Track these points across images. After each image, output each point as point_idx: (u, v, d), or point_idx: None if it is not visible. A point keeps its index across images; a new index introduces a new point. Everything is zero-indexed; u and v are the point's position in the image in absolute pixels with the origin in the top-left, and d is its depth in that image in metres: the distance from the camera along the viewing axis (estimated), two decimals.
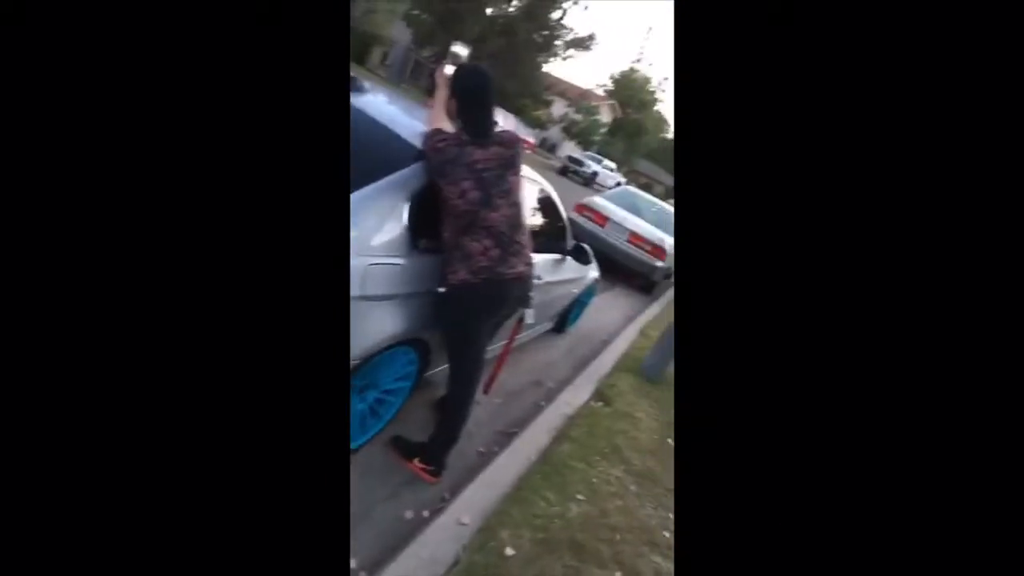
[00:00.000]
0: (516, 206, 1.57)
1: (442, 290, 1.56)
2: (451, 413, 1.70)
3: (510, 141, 1.56)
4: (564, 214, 2.53)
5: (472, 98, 1.51)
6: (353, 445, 1.64)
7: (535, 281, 2.08)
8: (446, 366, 1.83)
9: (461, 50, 1.66)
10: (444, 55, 1.66)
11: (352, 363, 1.36)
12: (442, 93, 1.59)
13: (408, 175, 1.48)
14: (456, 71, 1.55)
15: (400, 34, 19.74)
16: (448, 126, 1.53)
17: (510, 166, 1.54)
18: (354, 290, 1.33)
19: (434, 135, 1.49)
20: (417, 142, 1.57)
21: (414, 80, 20.09)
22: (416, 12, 19.01)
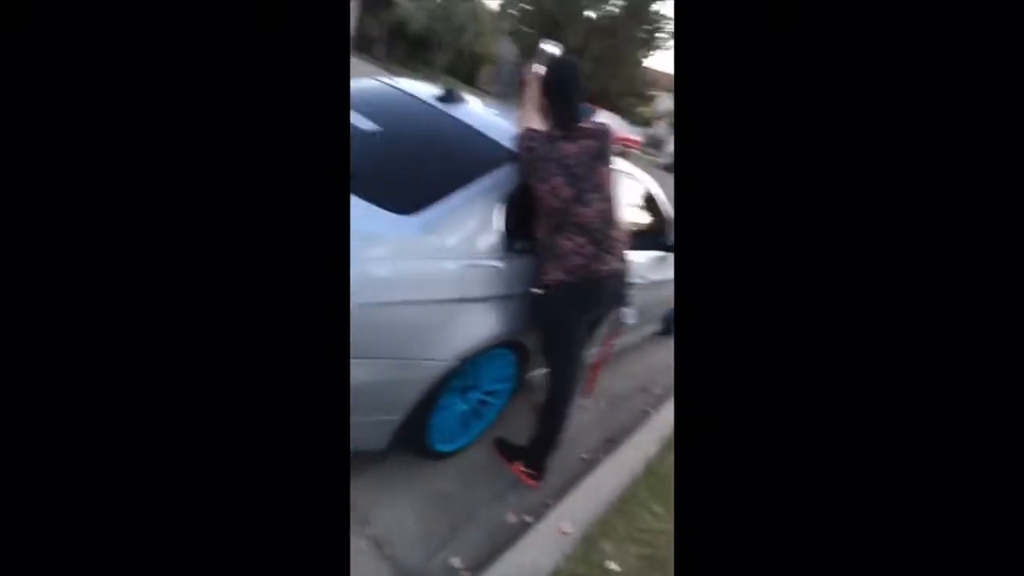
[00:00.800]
0: (608, 201, 1.50)
1: (537, 291, 1.54)
2: (551, 416, 1.67)
3: (599, 132, 1.50)
4: (668, 209, 2.38)
5: (561, 90, 1.49)
6: (456, 446, 1.69)
7: (638, 281, 1.98)
8: (546, 368, 1.81)
9: (551, 48, 1.64)
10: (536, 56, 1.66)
11: (452, 364, 1.39)
12: (532, 92, 1.58)
13: (501, 177, 1.50)
14: (547, 66, 1.53)
15: (506, 50, 20.43)
16: (539, 125, 1.52)
17: (600, 157, 1.48)
18: (451, 292, 1.36)
19: (525, 135, 1.48)
20: (511, 145, 1.58)
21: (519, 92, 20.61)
22: (521, 27, 19.58)
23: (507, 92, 20.39)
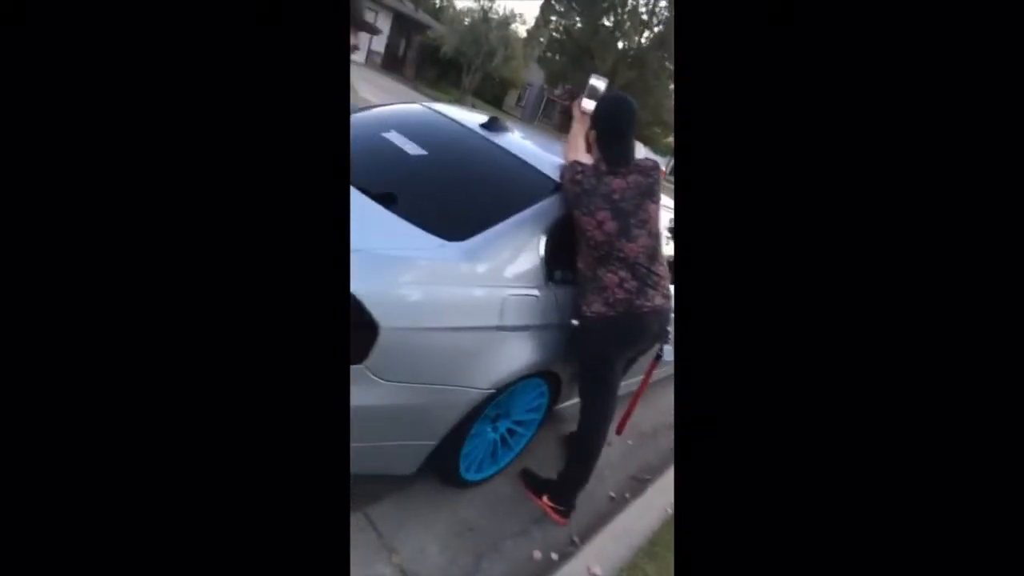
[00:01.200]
0: (654, 236, 1.49)
1: (575, 322, 1.52)
2: (581, 451, 1.63)
3: (649, 168, 1.50)
4: None
5: (615, 128, 1.49)
6: (483, 475, 1.66)
7: (673, 315, 1.95)
8: (576, 400, 1.78)
9: (599, 83, 1.65)
10: (577, 90, 1.67)
11: (487, 392, 1.37)
12: (579, 126, 1.59)
13: (545, 207, 1.50)
14: (600, 102, 1.54)
15: (534, 76, 20.83)
16: (585, 158, 1.52)
17: (649, 194, 1.48)
18: (492, 320, 1.35)
19: (571, 167, 1.49)
20: (555, 175, 1.59)
21: (546, 117, 20.96)
22: (549, 54, 19.96)
23: (532, 116, 20.70)
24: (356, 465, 1.35)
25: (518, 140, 1.81)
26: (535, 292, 1.46)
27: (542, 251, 1.47)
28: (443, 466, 1.48)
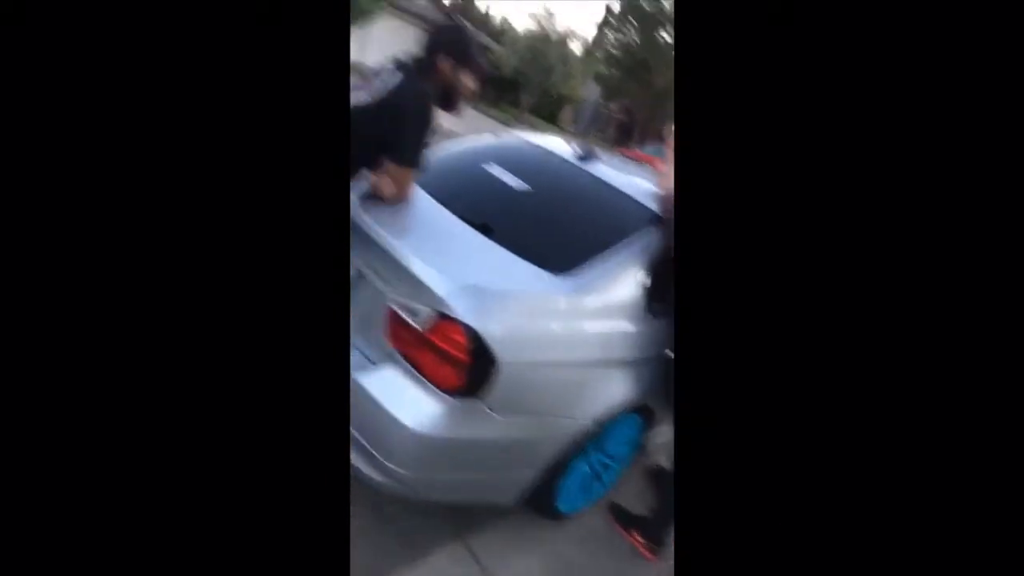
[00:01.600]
0: None
1: (671, 354, 1.50)
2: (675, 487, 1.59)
3: None
4: None
5: None
6: (576, 507, 1.64)
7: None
8: (665, 432, 1.74)
9: None
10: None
11: (589, 426, 1.37)
12: (673, 154, 1.58)
13: (645, 238, 1.49)
14: None
15: (590, 91, 20.86)
16: None
17: None
18: (596, 353, 1.35)
19: (672, 198, 1.47)
20: (651, 204, 1.58)
21: (599, 132, 20.89)
22: (605, 69, 19.96)
23: (588, 131, 20.69)
24: (463, 495, 1.38)
25: (611, 169, 1.82)
26: (635, 325, 1.45)
27: (642, 283, 1.46)
28: (541, 498, 1.48)
